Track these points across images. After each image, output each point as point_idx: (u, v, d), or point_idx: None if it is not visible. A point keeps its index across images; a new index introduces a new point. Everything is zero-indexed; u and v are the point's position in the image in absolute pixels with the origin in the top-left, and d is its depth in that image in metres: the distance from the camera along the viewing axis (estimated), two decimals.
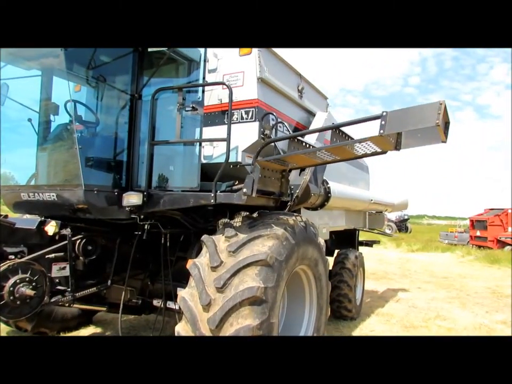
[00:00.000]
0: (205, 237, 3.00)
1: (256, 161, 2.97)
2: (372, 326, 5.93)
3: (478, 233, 19.84)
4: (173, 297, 3.59)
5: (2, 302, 2.81)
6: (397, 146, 2.83)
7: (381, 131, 2.53)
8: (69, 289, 3.35)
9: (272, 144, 3.48)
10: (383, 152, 2.95)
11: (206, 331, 2.55)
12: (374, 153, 2.98)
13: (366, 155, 3.07)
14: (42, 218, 3.41)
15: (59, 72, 3.52)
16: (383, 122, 2.52)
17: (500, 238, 18.46)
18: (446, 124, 2.57)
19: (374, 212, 7.51)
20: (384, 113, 2.52)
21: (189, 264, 2.92)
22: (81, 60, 3.46)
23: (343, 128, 4.13)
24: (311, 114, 4.95)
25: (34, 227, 3.28)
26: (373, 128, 2.65)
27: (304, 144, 3.77)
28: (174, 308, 3.63)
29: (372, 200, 6.30)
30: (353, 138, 4.16)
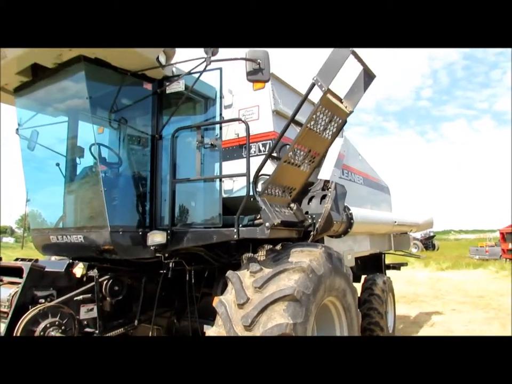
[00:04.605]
0: (230, 273, 2.99)
1: (259, 196, 3.05)
2: None
3: (510, 246, 18.94)
4: (200, 335, 3.54)
5: None
6: (346, 107, 3.21)
7: (323, 88, 2.91)
8: (97, 331, 3.36)
9: None
10: (344, 122, 3.36)
11: None
12: (339, 127, 3.36)
13: (335, 134, 3.40)
14: (70, 261, 3.48)
15: (84, 117, 3.68)
16: (319, 83, 2.91)
17: None
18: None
19: (398, 233, 7.31)
20: (314, 78, 2.93)
21: (215, 302, 2.89)
22: (104, 104, 3.62)
23: None
24: None
25: (63, 270, 3.33)
26: None
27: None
28: None
29: (395, 222, 6.14)
30: None
